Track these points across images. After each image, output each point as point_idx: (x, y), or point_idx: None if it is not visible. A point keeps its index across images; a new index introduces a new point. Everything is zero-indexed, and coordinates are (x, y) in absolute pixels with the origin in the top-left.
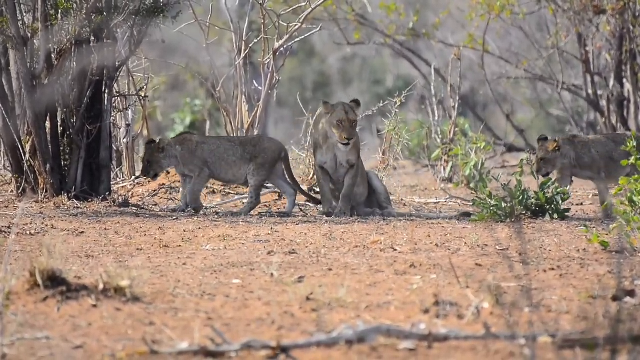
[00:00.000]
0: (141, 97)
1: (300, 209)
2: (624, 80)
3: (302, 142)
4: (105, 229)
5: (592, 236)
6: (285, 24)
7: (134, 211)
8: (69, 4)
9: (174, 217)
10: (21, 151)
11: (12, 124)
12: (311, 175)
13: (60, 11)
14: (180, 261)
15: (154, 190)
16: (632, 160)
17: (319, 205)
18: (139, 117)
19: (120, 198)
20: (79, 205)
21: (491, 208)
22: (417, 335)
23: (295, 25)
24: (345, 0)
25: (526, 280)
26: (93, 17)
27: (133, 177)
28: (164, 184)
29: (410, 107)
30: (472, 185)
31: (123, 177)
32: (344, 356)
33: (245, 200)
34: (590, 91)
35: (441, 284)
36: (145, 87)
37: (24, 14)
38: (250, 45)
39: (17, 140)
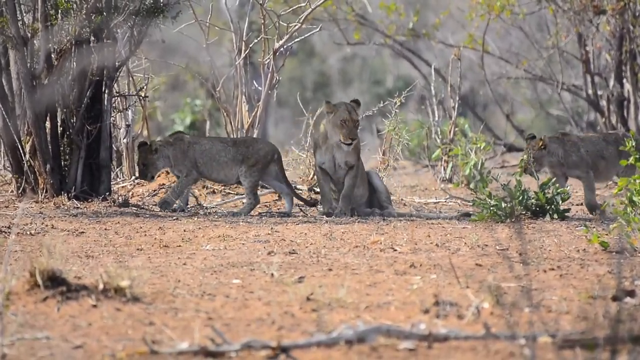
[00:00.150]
0: (141, 97)
1: (301, 209)
2: (624, 81)
3: (302, 142)
4: (105, 229)
5: (592, 236)
6: (285, 24)
7: (134, 211)
8: (69, 4)
9: (174, 217)
10: (21, 151)
11: (12, 124)
12: (311, 176)
13: (60, 11)
14: (180, 261)
15: (154, 190)
16: (631, 160)
17: (312, 208)
18: (139, 118)
19: (120, 198)
20: (79, 205)
21: (491, 208)
22: (417, 336)
23: (295, 25)
24: (345, 1)
25: (526, 281)
26: (93, 17)
27: (133, 177)
28: (163, 184)
29: (410, 107)
30: (472, 185)
31: (123, 177)
32: (344, 356)
33: (244, 201)
34: (590, 91)
35: (441, 284)
36: (145, 87)
37: (24, 14)
38: (250, 46)
39: (17, 141)
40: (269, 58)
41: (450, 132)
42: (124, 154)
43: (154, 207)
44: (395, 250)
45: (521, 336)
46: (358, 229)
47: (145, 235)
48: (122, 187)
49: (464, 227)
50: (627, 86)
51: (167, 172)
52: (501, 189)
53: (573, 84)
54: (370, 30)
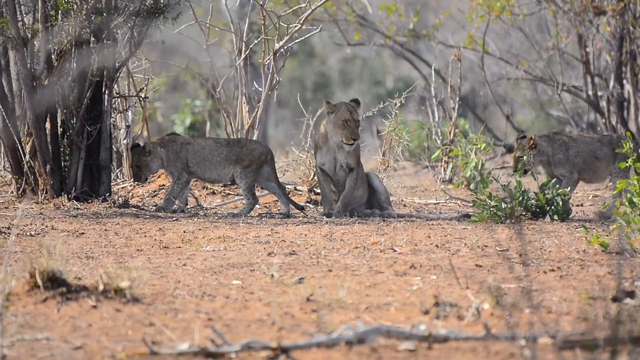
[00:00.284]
0: (141, 98)
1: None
2: (624, 81)
3: (302, 143)
4: (105, 230)
5: (592, 237)
6: (285, 25)
7: (134, 212)
8: (69, 5)
9: (174, 219)
10: (21, 152)
11: (12, 125)
12: (311, 176)
13: (60, 12)
14: (181, 262)
15: (154, 191)
16: (629, 162)
17: (302, 211)
18: (139, 118)
19: (120, 199)
20: (79, 206)
21: (491, 209)
22: (417, 336)
23: (296, 26)
24: (345, 1)
25: (526, 281)
26: (93, 18)
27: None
28: (163, 185)
29: (410, 108)
30: (472, 186)
31: (123, 178)
32: (344, 357)
33: (243, 202)
34: (590, 92)
35: (441, 284)
36: (145, 88)
37: (24, 15)
38: (251, 46)
39: (17, 141)
40: (269, 59)
41: (450, 133)
42: (124, 154)
43: (154, 208)
44: (395, 251)
45: (521, 337)
46: (358, 230)
47: (145, 236)
48: (122, 188)
49: (464, 228)
50: (627, 87)
51: None
52: (501, 190)
53: (573, 85)
54: (371, 31)
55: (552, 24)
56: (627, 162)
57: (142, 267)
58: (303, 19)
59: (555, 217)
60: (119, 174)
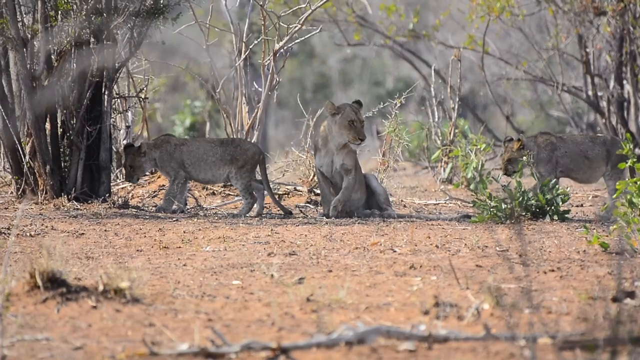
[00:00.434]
0: (141, 99)
1: (300, 210)
2: (624, 82)
3: (302, 143)
4: (105, 230)
5: (593, 238)
6: (285, 25)
7: (134, 213)
8: (69, 5)
9: (174, 219)
10: (21, 153)
11: (12, 125)
12: (311, 177)
13: (60, 12)
14: (180, 262)
15: (154, 192)
16: (629, 163)
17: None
18: (138, 119)
19: (120, 199)
20: (79, 206)
21: (491, 209)
22: (417, 337)
23: (296, 26)
24: (345, 2)
25: (526, 282)
26: (93, 19)
27: None
28: (163, 185)
29: (410, 109)
30: (472, 186)
31: (123, 178)
32: (344, 357)
33: (242, 202)
34: (590, 92)
35: (441, 285)
36: (145, 88)
37: (24, 15)
38: (251, 47)
39: (17, 142)
40: (269, 59)
41: (450, 133)
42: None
43: (153, 208)
44: (395, 251)
45: (521, 337)
46: (358, 231)
47: (145, 236)
48: (122, 188)
49: (464, 229)
50: (628, 87)
51: None
52: (501, 190)
53: (573, 85)
54: (371, 31)
55: (552, 24)
56: (627, 162)
57: (142, 268)
58: (303, 19)
59: (555, 217)
60: (118, 175)
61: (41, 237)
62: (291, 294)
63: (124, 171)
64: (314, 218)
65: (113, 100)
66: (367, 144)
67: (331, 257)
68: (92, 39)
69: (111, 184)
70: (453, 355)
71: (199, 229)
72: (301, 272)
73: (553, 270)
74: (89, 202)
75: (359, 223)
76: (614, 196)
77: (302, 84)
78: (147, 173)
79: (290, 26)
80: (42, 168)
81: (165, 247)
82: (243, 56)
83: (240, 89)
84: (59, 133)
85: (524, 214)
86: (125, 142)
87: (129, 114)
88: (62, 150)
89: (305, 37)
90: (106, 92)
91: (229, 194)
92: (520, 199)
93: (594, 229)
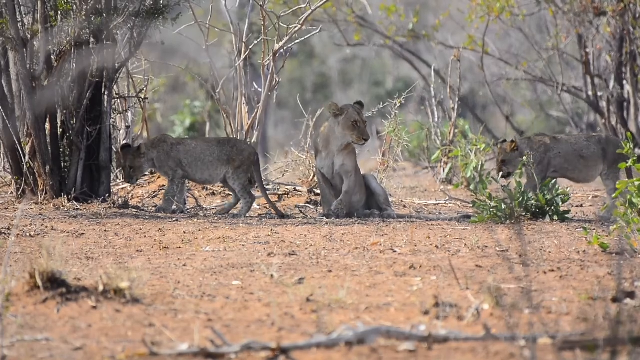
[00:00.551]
0: (141, 99)
1: (300, 210)
2: (624, 82)
3: (302, 143)
4: (105, 230)
5: (592, 238)
6: (285, 26)
7: (134, 213)
8: (69, 6)
9: (174, 219)
10: (21, 153)
11: (12, 125)
12: (311, 177)
13: (59, 13)
14: (180, 262)
15: (154, 192)
16: (629, 162)
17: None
18: (138, 119)
19: (120, 200)
20: (79, 206)
21: (491, 209)
22: (417, 337)
23: (296, 26)
24: (345, 2)
25: (526, 282)
26: (93, 19)
27: None
28: (163, 186)
29: (410, 109)
30: (471, 186)
31: (123, 178)
32: (343, 357)
33: (241, 202)
34: (590, 93)
35: (441, 285)
36: (145, 88)
37: (24, 16)
38: (251, 47)
39: (16, 142)
40: (269, 59)
41: (450, 133)
42: None
43: (153, 208)
44: (395, 251)
45: (521, 337)
46: (358, 231)
47: (145, 236)
48: (122, 188)
49: (464, 229)
50: (627, 87)
51: None
52: (501, 191)
53: (573, 86)
54: (370, 31)
55: (552, 25)
56: (627, 162)
57: (142, 268)
58: (303, 19)
59: (555, 217)
60: (118, 175)
61: (41, 237)
62: (291, 294)
63: (122, 172)
64: (314, 218)
65: (113, 101)
66: (367, 144)
67: (331, 257)
68: (91, 39)
69: (111, 184)
70: (453, 356)
71: (199, 229)
72: (301, 272)
73: (553, 271)
74: (89, 202)
75: (358, 223)
76: (614, 196)
77: (302, 84)
78: (147, 173)
79: (290, 26)
80: (42, 168)
81: (165, 248)
82: (243, 56)
83: (240, 89)
84: (59, 133)
85: (523, 214)
86: (125, 142)
87: (129, 114)
88: (62, 150)
89: (305, 37)
90: (106, 93)
91: (229, 194)
92: (520, 199)
93: (593, 229)
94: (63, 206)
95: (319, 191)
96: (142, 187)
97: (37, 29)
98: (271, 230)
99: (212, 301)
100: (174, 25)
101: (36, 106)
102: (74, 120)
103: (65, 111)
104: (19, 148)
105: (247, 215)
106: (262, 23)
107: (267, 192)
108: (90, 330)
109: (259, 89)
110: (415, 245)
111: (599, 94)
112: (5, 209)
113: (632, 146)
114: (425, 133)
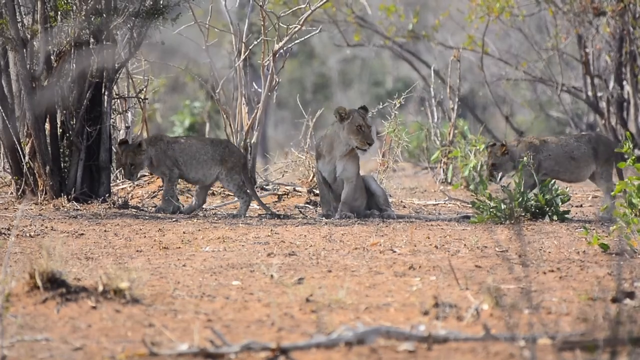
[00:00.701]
0: (141, 99)
1: (300, 211)
2: (624, 82)
3: (301, 143)
4: (105, 230)
5: (592, 238)
6: (285, 26)
7: (134, 213)
8: (69, 6)
9: (174, 219)
10: (21, 153)
11: (12, 125)
12: (311, 177)
13: (59, 13)
14: (180, 263)
15: (154, 192)
16: (629, 162)
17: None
18: (138, 119)
19: (119, 200)
20: (79, 207)
21: (490, 210)
22: (416, 337)
23: (295, 27)
24: (345, 2)
25: (526, 282)
26: (92, 19)
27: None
28: (162, 186)
29: (409, 109)
30: (471, 187)
31: (122, 179)
32: (343, 357)
33: (239, 203)
34: (590, 93)
35: (441, 285)
36: (144, 89)
37: (24, 16)
38: (250, 47)
39: (16, 142)
40: (268, 60)
41: (449, 133)
42: None
43: (153, 208)
44: (395, 252)
45: (521, 338)
46: (357, 231)
47: (145, 236)
48: (122, 188)
49: (463, 229)
50: (627, 88)
51: None
52: (501, 191)
53: (573, 86)
54: (370, 31)
55: (552, 25)
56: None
57: (142, 268)
58: (303, 19)
59: (555, 217)
60: (118, 175)
61: (41, 237)
62: (291, 294)
63: (123, 169)
64: (314, 218)
65: (113, 101)
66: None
67: (331, 258)
68: (91, 40)
69: (111, 185)
70: (452, 356)
71: (199, 230)
72: (301, 273)
73: (553, 271)
74: (89, 202)
75: (358, 224)
76: (613, 193)
77: (302, 85)
78: (146, 173)
79: (290, 27)
80: (42, 168)
81: (165, 248)
82: (243, 57)
83: (239, 90)
84: (59, 133)
85: (523, 214)
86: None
87: (129, 114)
88: (61, 150)
89: (305, 37)
90: (106, 93)
91: (229, 194)
92: (520, 199)
93: (593, 229)
94: (63, 206)
95: (318, 191)
96: (142, 187)
97: (36, 29)
98: (271, 230)
99: (212, 301)
100: (174, 25)
101: (36, 106)
102: (74, 120)
103: (65, 111)
104: (19, 148)
105: (247, 215)
106: (262, 23)
107: (267, 192)
108: (90, 331)
109: (259, 89)
110: (415, 246)
111: (599, 94)
112: (5, 209)
113: (631, 146)
114: (425, 133)
